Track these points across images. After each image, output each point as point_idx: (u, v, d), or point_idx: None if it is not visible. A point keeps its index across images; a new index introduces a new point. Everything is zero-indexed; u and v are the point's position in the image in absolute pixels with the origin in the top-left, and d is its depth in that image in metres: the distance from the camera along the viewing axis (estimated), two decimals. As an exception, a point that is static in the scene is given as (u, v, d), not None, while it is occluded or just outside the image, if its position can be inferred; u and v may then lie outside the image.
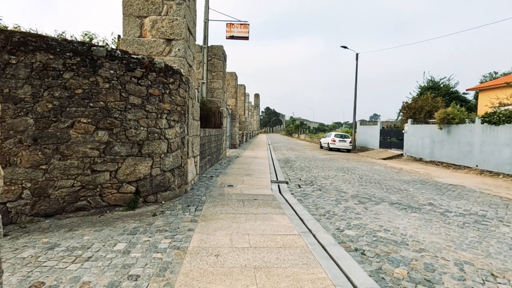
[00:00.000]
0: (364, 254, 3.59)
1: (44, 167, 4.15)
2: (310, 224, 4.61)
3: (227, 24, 13.22)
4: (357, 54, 23.80)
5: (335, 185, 8.12)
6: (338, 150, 22.49)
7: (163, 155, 5.41)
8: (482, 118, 11.99)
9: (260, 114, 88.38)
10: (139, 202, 5.03)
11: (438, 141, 14.42)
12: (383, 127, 22.03)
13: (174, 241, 3.65)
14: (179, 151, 6.02)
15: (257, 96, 64.02)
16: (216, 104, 13.61)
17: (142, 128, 4.99)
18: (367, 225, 4.70)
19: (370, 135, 22.98)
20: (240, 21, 13.10)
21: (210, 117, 11.02)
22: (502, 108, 12.66)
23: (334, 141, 22.38)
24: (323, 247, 3.73)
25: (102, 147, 4.54)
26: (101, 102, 4.52)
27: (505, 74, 27.18)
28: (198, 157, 7.73)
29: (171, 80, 5.59)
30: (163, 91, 5.38)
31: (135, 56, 4.93)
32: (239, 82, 25.52)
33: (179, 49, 6.25)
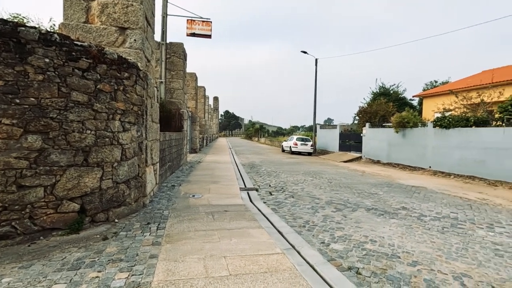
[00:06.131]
0: (360, 274, 3.18)
1: None
2: (292, 239, 4.12)
3: (187, 20, 12.35)
4: (316, 60, 24.37)
5: (307, 190, 7.80)
6: (299, 153, 22.66)
7: (116, 164, 4.51)
8: (434, 122, 12.81)
9: (219, 117, 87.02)
10: (85, 222, 4.08)
11: (395, 144, 15.16)
12: (341, 131, 22.76)
13: (132, 274, 2.87)
14: (136, 159, 5.13)
15: (216, 99, 62.85)
16: (176, 105, 12.62)
17: (88, 132, 4.06)
18: (351, 236, 4.35)
19: (330, 139, 23.59)
20: (202, 18, 12.34)
21: (170, 119, 10.08)
22: (447, 113, 13.73)
23: (296, 144, 22.50)
24: (312, 267, 3.25)
25: (33, 156, 3.53)
26: (32, 99, 3.53)
27: (443, 83, 30.17)
28: (158, 164, 6.84)
29: (126, 74, 4.72)
30: (116, 88, 4.49)
31: (79, 43, 4.00)
32: (198, 84, 24.48)
33: (135, 40, 5.39)
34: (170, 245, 3.65)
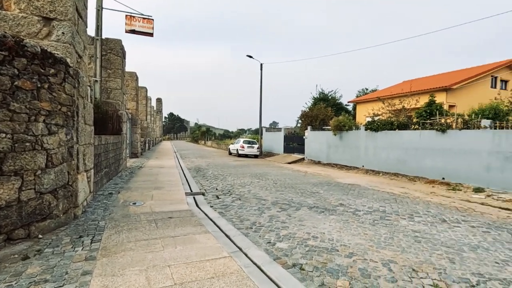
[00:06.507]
0: (303, 269, 3.35)
1: None
2: (239, 241, 4.14)
3: (126, 16, 11.54)
4: (261, 64, 25.02)
5: (254, 192, 7.93)
6: (246, 156, 22.94)
7: (39, 172, 3.96)
8: (366, 126, 14.21)
9: (163, 120, 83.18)
10: (-1, 241, 3.49)
11: (333, 146, 16.39)
12: (286, 134, 23.73)
13: (60, 296, 2.55)
14: (65, 165, 4.59)
15: (159, 100, 60.02)
16: (113, 106, 11.68)
17: (3, 135, 3.50)
18: (295, 234, 4.55)
19: (275, 141, 24.39)
20: (143, 15, 11.67)
21: (106, 121, 9.27)
22: (376, 118, 15.38)
23: (243, 147, 22.75)
24: (259, 268, 3.31)
25: None
26: None
27: (373, 90, 33.77)
28: (92, 170, 6.22)
29: (52, 71, 4.21)
30: (39, 85, 3.96)
31: (-10, 32, 3.43)
32: (139, 84, 23.05)
33: (63, 33, 4.84)
34: (107, 258, 3.35)
